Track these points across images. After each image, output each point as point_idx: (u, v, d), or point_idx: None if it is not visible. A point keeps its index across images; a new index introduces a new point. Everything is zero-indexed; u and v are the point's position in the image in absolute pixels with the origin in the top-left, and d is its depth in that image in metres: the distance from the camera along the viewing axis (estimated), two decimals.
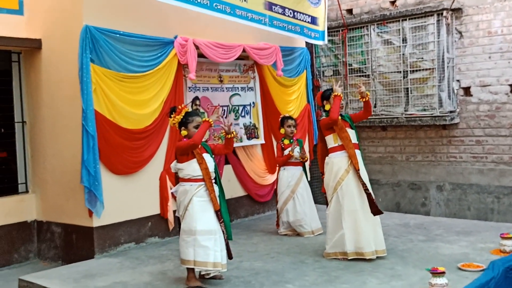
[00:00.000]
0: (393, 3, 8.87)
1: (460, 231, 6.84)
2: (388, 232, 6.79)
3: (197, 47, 6.90)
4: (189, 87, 7.27)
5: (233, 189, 7.95)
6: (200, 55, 7.02)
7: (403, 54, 8.57)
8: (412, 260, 5.59)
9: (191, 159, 4.99)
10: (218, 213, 5.05)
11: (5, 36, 6.40)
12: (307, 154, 7.32)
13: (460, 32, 8.21)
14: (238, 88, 8.03)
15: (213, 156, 5.20)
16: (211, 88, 7.63)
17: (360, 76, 9.10)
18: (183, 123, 5.06)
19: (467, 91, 8.20)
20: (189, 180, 5.01)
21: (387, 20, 8.74)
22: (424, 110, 8.40)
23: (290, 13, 7.79)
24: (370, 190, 5.65)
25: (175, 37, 6.84)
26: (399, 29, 8.60)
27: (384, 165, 9.15)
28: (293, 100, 8.68)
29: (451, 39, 8.24)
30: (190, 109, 7.06)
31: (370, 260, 5.57)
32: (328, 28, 9.29)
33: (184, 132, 5.05)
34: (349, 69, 9.23)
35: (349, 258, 5.63)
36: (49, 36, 6.62)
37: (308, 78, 9.06)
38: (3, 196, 6.69)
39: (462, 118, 8.24)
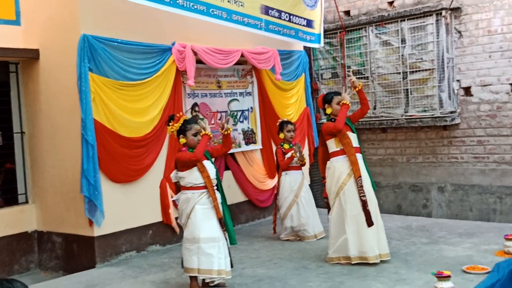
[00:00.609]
0: (391, 3, 8.84)
1: (463, 233, 6.80)
2: (390, 235, 6.75)
3: (195, 53, 6.87)
4: (188, 94, 7.24)
5: (234, 194, 7.91)
6: (198, 61, 7.00)
7: (402, 55, 8.53)
8: (416, 263, 5.55)
9: (192, 168, 4.97)
10: (221, 221, 5.02)
11: (2, 47, 6.37)
12: (306, 158, 7.28)
13: (459, 32, 8.18)
14: (236, 93, 8.00)
15: (213, 162, 5.18)
16: (209, 94, 7.60)
17: (359, 78, 9.05)
18: (182, 131, 5.03)
19: (467, 91, 8.17)
20: (191, 188, 4.98)
21: (385, 21, 8.71)
22: (424, 111, 8.36)
23: (286, 16, 7.76)
24: (369, 201, 5.61)
25: (173, 44, 6.82)
26: (397, 30, 8.57)
27: (384, 167, 9.11)
28: (292, 103, 8.65)
29: (450, 39, 8.20)
30: (190, 116, 7.09)
31: (373, 264, 5.53)
32: (326, 30, 9.27)
33: (182, 140, 5.03)
34: (347, 71, 9.19)
35: (352, 262, 5.59)
36: (46, 46, 6.59)
37: (306, 81, 9.03)
38: (3, 207, 6.66)
39: (463, 118, 8.21)
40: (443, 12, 8.08)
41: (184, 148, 5.03)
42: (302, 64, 8.93)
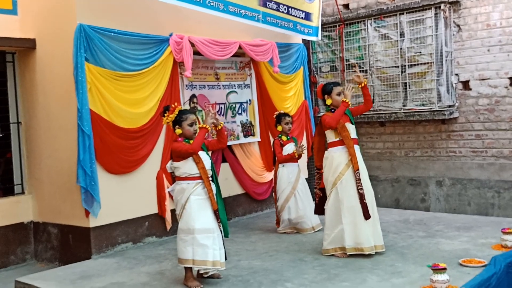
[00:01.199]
0: None
1: (460, 227, 6.79)
2: (388, 228, 6.74)
3: (192, 45, 6.84)
4: (186, 85, 7.22)
5: (231, 187, 7.90)
6: (196, 53, 6.96)
7: (401, 49, 8.50)
8: (412, 256, 5.53)
9: (188, 158, 4.94)
10: (216, 212, 5.00)
11: None
12: (305, 151, 7.24)
13: (458, 25, 8.15)
14: (234, 85, 7.97)
15: (209, 153, 5.15)
16: (207, 85, 7.57)
17: None
18: (177, 122, 4.99)
19: (466, 85, 8.14)
20: (186, 178, 4.96)
21: (384, 15, 8.67)
22: (423, 104, 8.34)
23: (285, 9, 7.73)
24: (366, 192, 5.60)
25: (170, 35, 6.78)
26: (396, 23, 8.53)
27: (382, 161, 9.09)
28: (290, 96, 8.62)
29: (449, 32, 8.17)
30: (188, 107, 7.06)
31: (369, 256, 5.52)
32: (325, 24, 9.24)
33: (178, 131, 4.99)
34: (346, 64, 9.16)
35: (348, 253, 5.57)
36: (43, 35, 6.56)
37: (305, 74, 9.01)
38: None
39: (461, 112, 8.18)
40: (442, 6, 8.03)
41: (180, 139, 5.00)
42: (301, 57, 8.90)
